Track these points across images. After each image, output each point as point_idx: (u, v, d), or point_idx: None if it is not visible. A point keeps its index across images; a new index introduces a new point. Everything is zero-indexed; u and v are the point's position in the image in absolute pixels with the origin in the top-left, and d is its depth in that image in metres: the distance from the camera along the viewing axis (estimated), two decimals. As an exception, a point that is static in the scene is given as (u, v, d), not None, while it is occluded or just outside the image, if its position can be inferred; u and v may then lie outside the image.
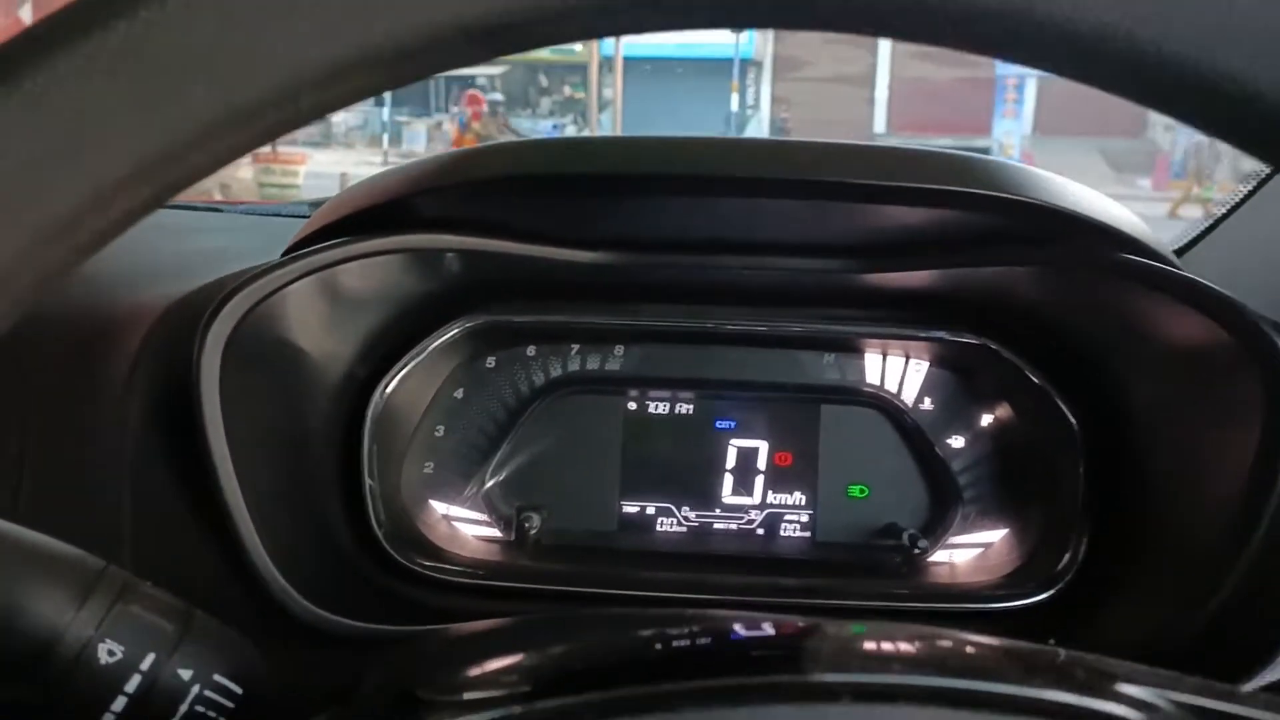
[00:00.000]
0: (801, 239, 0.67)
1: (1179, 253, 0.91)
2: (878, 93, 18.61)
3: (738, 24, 0.26)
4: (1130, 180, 14.28)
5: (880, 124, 18.56)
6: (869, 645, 0.32)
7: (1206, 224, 0.91)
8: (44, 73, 0.22)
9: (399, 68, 0.25)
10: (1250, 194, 0.87)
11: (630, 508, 0.78)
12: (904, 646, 0.31)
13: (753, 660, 0.34)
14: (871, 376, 0.77)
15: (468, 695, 0.32)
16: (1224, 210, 0.90)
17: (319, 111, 0.26)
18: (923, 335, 0.74)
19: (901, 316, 0.74)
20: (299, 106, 0.25)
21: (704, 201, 0.63)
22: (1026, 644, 0.31)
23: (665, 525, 0.78)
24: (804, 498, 0.78)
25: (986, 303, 0.71)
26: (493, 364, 0.78)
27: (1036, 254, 0.63)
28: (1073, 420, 0.70)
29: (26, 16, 6.00)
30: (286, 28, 0.23)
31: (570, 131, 15.86)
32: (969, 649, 0.32)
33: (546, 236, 0.66)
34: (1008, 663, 0.30)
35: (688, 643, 0.36)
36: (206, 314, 0.57)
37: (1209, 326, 0.58)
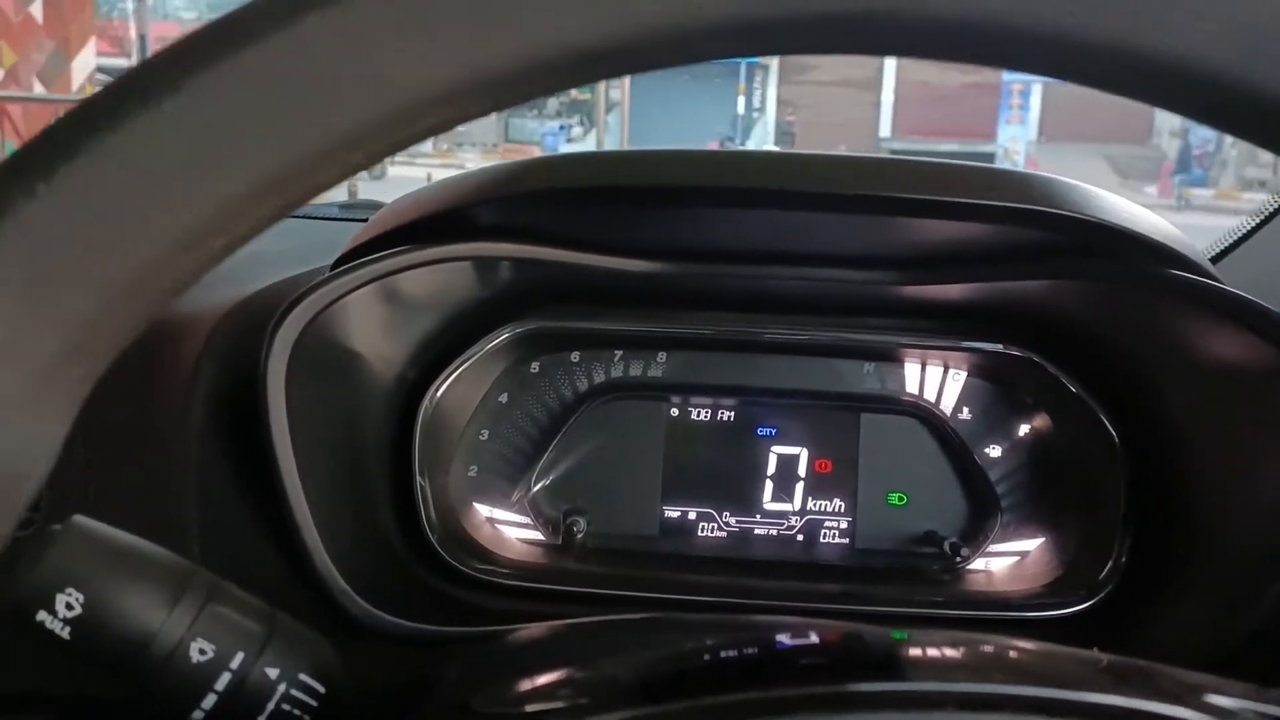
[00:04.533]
0: (850, 251, 0.68)
1: (1213, 261, 0.92)
2: (883, 96, 18.62)
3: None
4: (1135, 187, 14.28)
5: (885, 128, 18.57)
6: (964, 654, 0.32)
7: (1240, 233, 0.92)
8: (182, 92, 0.23)
9: (514, 90, 0.26)
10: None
11: (672, 512, 0.79)
12: (997, 656, 0.32)
13: (842, 668, 0.34)
14: (911, 385, 0.78)
15: (526, 708, 0.32)
16: (1258, 220, 0.91)
17: (438, 129, 0.27)
18: (964, 346, 0.75)
19: (943, 327, 0.75)
20: (418, 126, 0.26)
21: (754, 214, 0.64)
22: (1111, 655, 0.32)
23: (706, 530, 0.79)
24: (843, 504, 0.79)
25: (1028, 315, 0.72)
26: (536, 369, 0.79)
27: (1084, 269, 0.64)
28: (1113, 431, 0.71)
29: (36, 13, 6.02)
30: (409, 53, 0.24)
31: (577, 131, 15.89)
32: (1056, 659, 0.33)
33: (600, 245, 0.67)
34: (1097, 673, 0.31)
35: (758, 650, 0.37)
36: (275, 318, 0.58)
37: (1250, 339, 0.59)
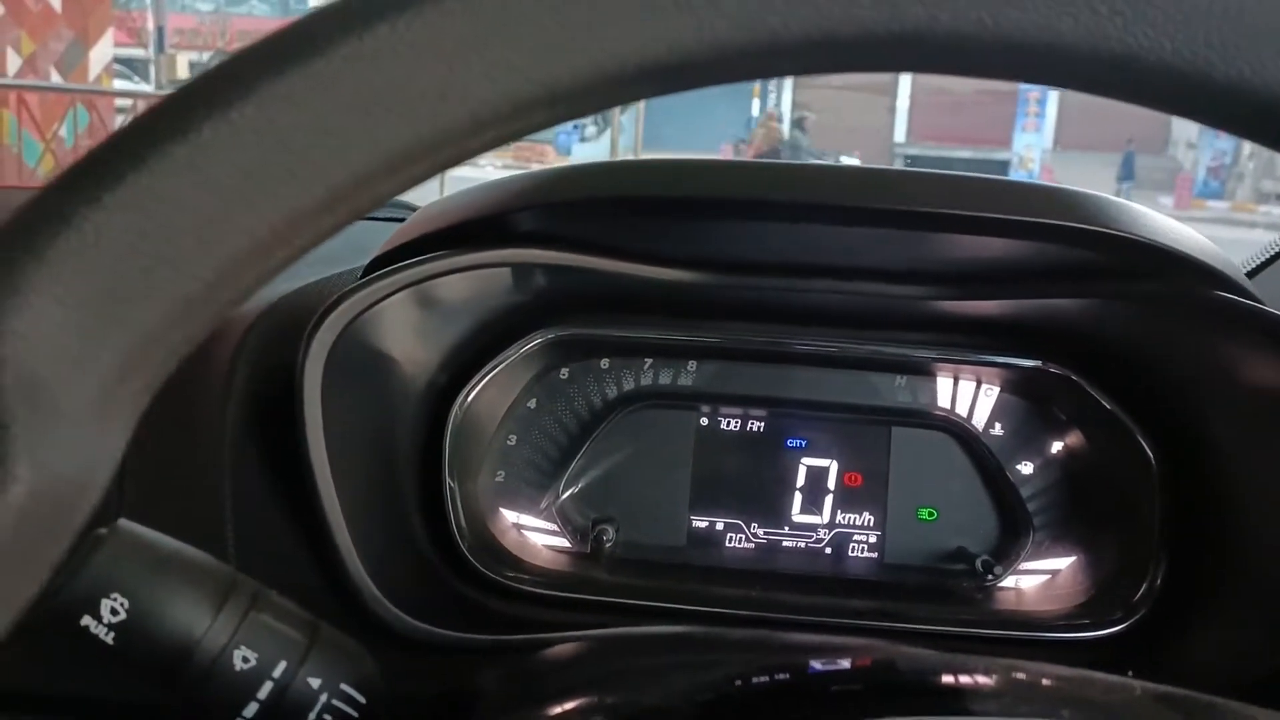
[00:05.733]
0: (888, 265, 0.68)
1: (1249, 275, 0.92)
2: (899, 102, 18.58)
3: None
4: (1151, 197, 14.21)
5: (900, 133, 18.54)
6: (1059, 689, 0.32)
7: (1276, 250, 0.91)
8: (250, 102, 0.22)
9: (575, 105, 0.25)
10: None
11: (699, 522, 0.78)
12: (1098, 695, 0.31)
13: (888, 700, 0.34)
14: (943, 400, 0.78)
15: None
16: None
17: (504, 140, 0.27)
18: (999, 362, 0.74)
19: (979, 343, 0.75)
20: (484, 136, 0.25)
21: (797, 226, 0.64)
22: (1193, 692, 0.32)
23: (734, 541, 0.78)
24: (873, 518, 0.78)
25: (1065, 332, 0.71)
26: (566, 375, 0.79)
27: (1127, 289, 0.64)
28: (1150, 451, 0.71)
29: (55, 3, 6.04)
30: (477, 65, 0.23)
31: (591, 130, 15.87)
32: (1153, 698, 0.32)
33: (635, 254, 0.67)
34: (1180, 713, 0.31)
35: (799, 679, 0.36)
36: (312, 322, 0.58)
37: None
